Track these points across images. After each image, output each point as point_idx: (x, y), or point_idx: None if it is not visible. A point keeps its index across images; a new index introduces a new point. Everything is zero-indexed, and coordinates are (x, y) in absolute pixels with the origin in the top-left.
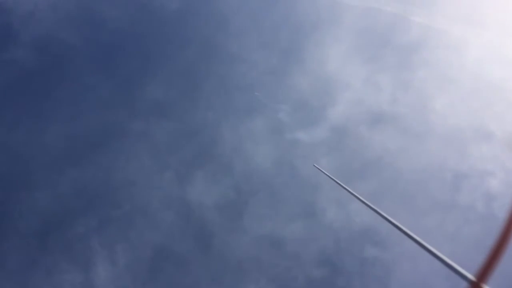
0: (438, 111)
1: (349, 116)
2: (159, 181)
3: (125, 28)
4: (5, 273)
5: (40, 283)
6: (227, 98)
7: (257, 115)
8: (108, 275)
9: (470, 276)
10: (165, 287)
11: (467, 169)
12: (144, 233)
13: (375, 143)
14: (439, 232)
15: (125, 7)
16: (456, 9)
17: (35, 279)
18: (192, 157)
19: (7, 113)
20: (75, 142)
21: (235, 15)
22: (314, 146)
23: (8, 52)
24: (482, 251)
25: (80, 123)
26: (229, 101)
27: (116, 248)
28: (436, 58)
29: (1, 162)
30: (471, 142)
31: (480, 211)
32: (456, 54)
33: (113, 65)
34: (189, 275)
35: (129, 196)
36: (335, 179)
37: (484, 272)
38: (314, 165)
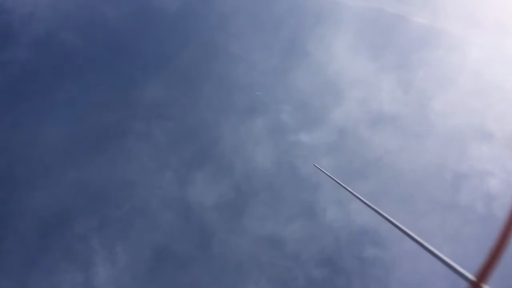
0: (438, 111)
1: (349, 116)
2: (159, 181)
3: (125, 28)
4: (5, 273)
5: (40, 283)
6: (227, 98)
7: (258, 115)
8: (108, 275)
9: (470, 276)
10: (165, 287)
11: (467, 169)
12: (144, 233)
13: (375, 143)
14: (439, 232)
15: (125, 7)
16: (456, 9)
17: (35, 279)
18: (192, 157)
19: (7, 113)
20: (75, 142)
21: (236, 15)
22: (314, 146)
23: (8, 52)
24: (482, 251)
25: (80, 123)
26: (230, 101)
27: (116, 248)
28: (436, 58)
29: (1, 162)
30: (471, 142)
31: (480, 211)
32: (456, 54)
33: (113, 65)
34: (189, 275)
35: (129, 196)
36: (335, 178)
37: (485, 272)
38: (314, 165)
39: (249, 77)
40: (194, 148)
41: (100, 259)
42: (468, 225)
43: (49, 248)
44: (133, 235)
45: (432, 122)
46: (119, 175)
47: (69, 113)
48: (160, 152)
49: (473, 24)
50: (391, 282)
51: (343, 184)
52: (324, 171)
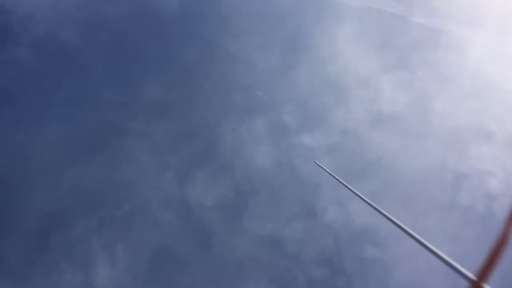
0: (438, 111)
1: (349, 116)
2: (159, 181)
3: (125, 28)
4: (5, 273)
5: (40, 283)
6: (228, 98)
7: (258, 115)
8: (108, 275)
9: (471, 275)
10: (165, 287)
11: (467, 169)
12: (144, 233)
13: (375, 143)
14: (439, 232)
15: (125, 7)
16: (456, 9)
17: (35, 279)
18: (193, 157)
19: (7, 113)
20: (75, 142)
21: (236, 15)
22: (313, 145)
23: (8, 52)
24: (482, 251)
25: (80, 123)
26: (230, 100)
27: (116, 248)
28: (436, 58)
29: (1, 162)
30: (471, 142)
31: (480, 211)
32: (456, 54)
33: (113, 65)
34: (189, 275)
35: (129, 196)
36: (335, 175)
37: (485, 271)
38: (314, 162)
39: (248, 77)
40: (194, 148)
41: (100, 259)
42: (468, 225)
43: (49, 248)
44: (133, 235)
45: (432, 122)
46: (119, 175)
47: (69, 113)
48: (160, 152)
49: (473, 24)
50: (391, 282)
51: (343, 181)
52: (324, 168)
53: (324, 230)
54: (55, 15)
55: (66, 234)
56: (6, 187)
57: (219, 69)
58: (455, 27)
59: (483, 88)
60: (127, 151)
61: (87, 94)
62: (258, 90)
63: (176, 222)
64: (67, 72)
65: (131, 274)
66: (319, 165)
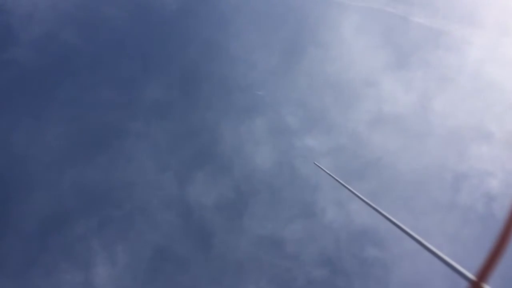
0: (438, 111)
1: (349, 116)
2: (159, 181)
3: (125, 28)
4: (5, 273)
5: (40, 283)
6: (228, 98)
7: (259, 115)
8: (108, 275)
9: (471, 275)
10: (165, 287)
11: (467, 170)
12: (144, 233)
13: (375, 143)
14: (439, 232)
15: (125, 7)
16: (456, 9)
17: (35, 279)
18: (193, 157)
19: (7, 113)
20: (75, 142)
21: (236, 15)
22: (313, 146)
23: (8, 52)
24: (482, 251)
25: (80, 123)
26: (231, 101)
27: (116, 248)
28: (436, 58)
29: (1, 162)
30: (471, 142)
31: (480, 211)
32: (456, 54)
33: (113, 65)
34: (189, 275)
35: (129, 196)
36: (335, 176)
37: (485, 272)
38: (314, 163)
39: (249, 77)
40: (194, 148)
41: (100, 259)
42: (468, 225)
43: (49, 248)
44: (133, 235)
45: (432, 122)
46: (119, 175)
47: (69, 113)
48: (160, 152)
49: (473, 24)
50: (391, 282)
51: (342, 182)
52: (324, 169)
53: (324, 230)
54: (55, 15)
55: (66, 234)
56: (6, 187)
57: (219, 69)
58: (455, 27)
59: (483, 88)
60: (127, 151)
61: (87, 94)
62: (258, 90)
63: (176, 222)
64: (67, 72)
65: (131, 274)
66: (319, 167)
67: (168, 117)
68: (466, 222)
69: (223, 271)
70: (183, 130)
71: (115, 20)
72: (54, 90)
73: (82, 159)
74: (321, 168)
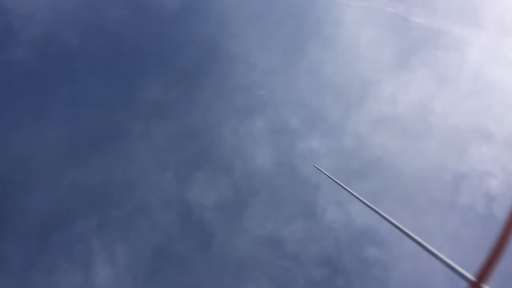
0: (438, 111)
1: (349, 116)
2: (159, 181)
3: (125, 28)
4: (5, 273)
5: (40, 283)
6: (228, 98)
7: (259, 115)
8: (108, 275)
9: (470, 276)
10: (165, 287)
11: (467, 170)
12: (144, 233)
13: (375, 143)
14: (439, 232)
15: (125, 7)
16: (456, 9)
17: (35, 279)
18: (193, 157)
19: (7, 113)
20: (75, 142)
21: (236, 15)
22: (313, 146)
23: (8, 52)
24: (482, 251)
25: (80, 123)
26: (231, 101)
27: (116, 248)
28: (436, 58)
29: (1, 162)
30: (471, 142)
31: (480, 211)
32: (456, 54)
33: (113, 65)
34: (189, 275)
35: (129, 196)
36: (335, 179)
37: (484, 272)
38: (314, 166)
39: (249, 77)
40: (195, 148)
41: (100, 259)
42: (468, 225)
43: (49, 248)
44: (133, 235)
45: (432, 122)
46: (119, 175)
47: (69, 113)
48: (160, 152)
49: (473, 24)
50: (391, 282)
51: (342, 185)
52: (324, 172)
53: (324, 230)
54: (55, 15)
55: (66, 234)
56: (6, 187)
57: (220, 69)
58: (455, 27)
59: (483, 88)
60: (127, 151)
61: (87, 94)
62: (259, 90)
63: (176, 222)
64: (67, 72)
65: (131, 274)
66: (319, 169)
67: (168, 117)
68: (466, 222)
69: (223, 271)
70: (183, 130)
71: (115, 20)
72: (54, 90)
73: (82, 159)
74: (321, 171)
